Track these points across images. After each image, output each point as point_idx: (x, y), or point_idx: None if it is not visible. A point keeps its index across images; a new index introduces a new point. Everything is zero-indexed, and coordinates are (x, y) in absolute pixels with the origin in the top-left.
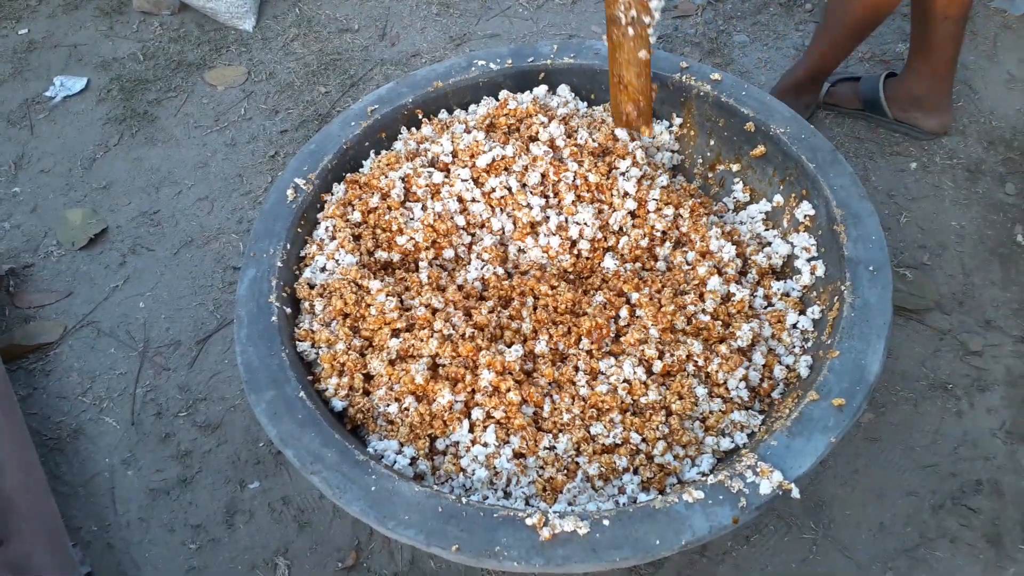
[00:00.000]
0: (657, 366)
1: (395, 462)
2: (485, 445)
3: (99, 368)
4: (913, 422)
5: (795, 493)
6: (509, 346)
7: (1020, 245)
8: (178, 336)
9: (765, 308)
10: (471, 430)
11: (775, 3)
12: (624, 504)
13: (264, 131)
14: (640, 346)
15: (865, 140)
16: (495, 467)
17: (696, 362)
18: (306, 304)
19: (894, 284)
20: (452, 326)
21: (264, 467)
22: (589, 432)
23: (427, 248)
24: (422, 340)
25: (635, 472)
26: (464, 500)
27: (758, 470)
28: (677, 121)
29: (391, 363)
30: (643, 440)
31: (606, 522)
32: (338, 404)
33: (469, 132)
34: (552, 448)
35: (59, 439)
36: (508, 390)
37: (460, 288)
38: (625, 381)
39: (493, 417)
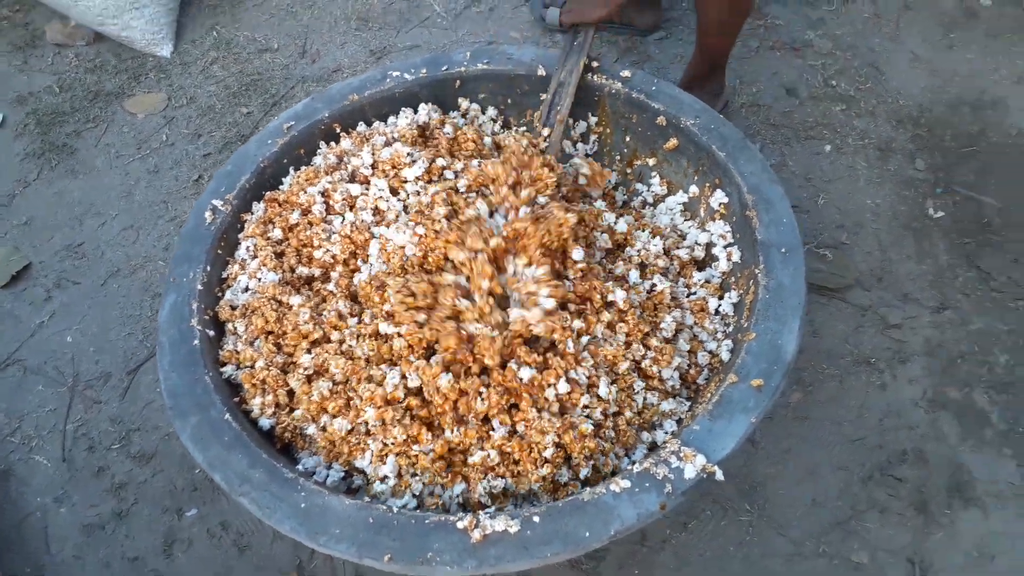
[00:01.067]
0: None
1: (327, 477)
2: (385, 480)
3: (27, 407)
4: (840, 398)
5: (719, 475)
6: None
7: (932, 219)
8: (108, 368)
9: (687, 296)
10: (371, 461)
11: None
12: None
13: (187, 156)
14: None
15: (781, 127)
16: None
17: (634, 358)
18: (229, 326)
19: (815, 265)
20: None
21: (201, 493)
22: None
23: (344, 261)
24: (328, 354)
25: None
26: (395, 510)
27: (682, 455)
28: (592, 120)
29: (308, 380)
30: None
31: (536, 519)
32: (265, 423)
33: (390, 144)
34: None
35: None
36: (394, 422)
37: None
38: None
39: (390, 447)
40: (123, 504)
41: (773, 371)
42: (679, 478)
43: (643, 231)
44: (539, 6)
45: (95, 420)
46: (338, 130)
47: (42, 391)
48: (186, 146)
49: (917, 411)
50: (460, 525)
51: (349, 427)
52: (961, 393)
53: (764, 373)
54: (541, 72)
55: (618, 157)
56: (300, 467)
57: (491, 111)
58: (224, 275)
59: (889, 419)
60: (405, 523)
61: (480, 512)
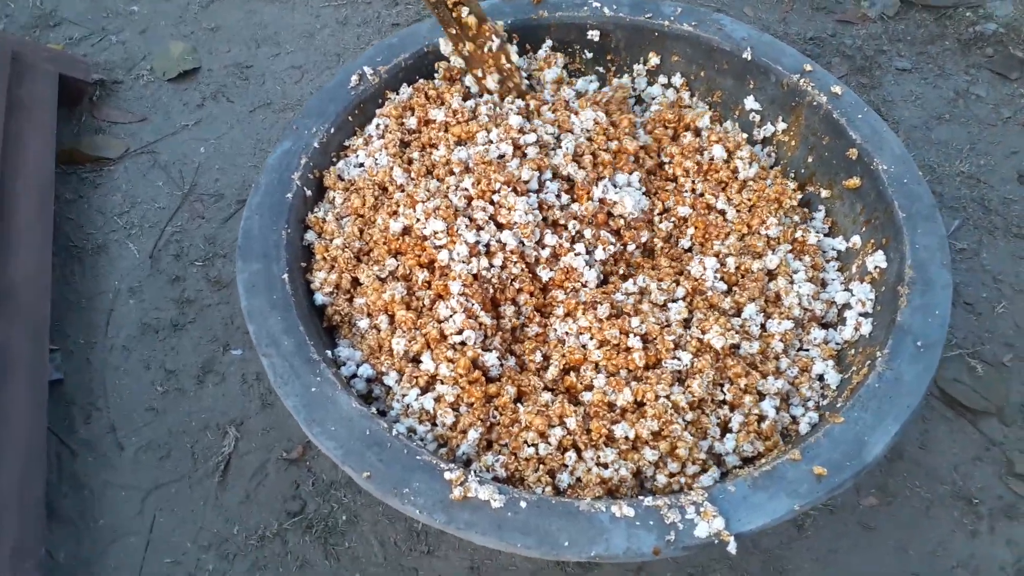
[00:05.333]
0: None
1: (354, 373)
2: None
3: (142, 196)
4: (919, 524)
5: (732, 547)
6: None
7: None
8: (223, 190)
9: (796, 351)
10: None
11: (952, 38)
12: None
13: (378, 18)
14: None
15: (993, 213)
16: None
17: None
18: (329, 194)
19: (960, 374)
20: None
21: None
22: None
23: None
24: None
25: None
26: (395, 432)
27: (702, 510)
28: (780, 126)
29: (381, 279)
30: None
31: (523, 504)
32: (320, 299)
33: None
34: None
35: (83, 249)
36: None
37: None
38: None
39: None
40: (183, 318)
41: (845, 466)
42: (687, 531)
43: (800, 263)
44: None
45: (192, 232)
46: (515, 41)
47: (160, 188)
48: (381, 9)
49: None
50: (447, 476)
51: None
52: None
53: (833, 464)
54: (747, 55)
55: (792, 174)
56: (333, 353)
57: (678, 78)
58: (346, 143)
59: (964, 571)
60: (398, 449)
61: (472, 472)
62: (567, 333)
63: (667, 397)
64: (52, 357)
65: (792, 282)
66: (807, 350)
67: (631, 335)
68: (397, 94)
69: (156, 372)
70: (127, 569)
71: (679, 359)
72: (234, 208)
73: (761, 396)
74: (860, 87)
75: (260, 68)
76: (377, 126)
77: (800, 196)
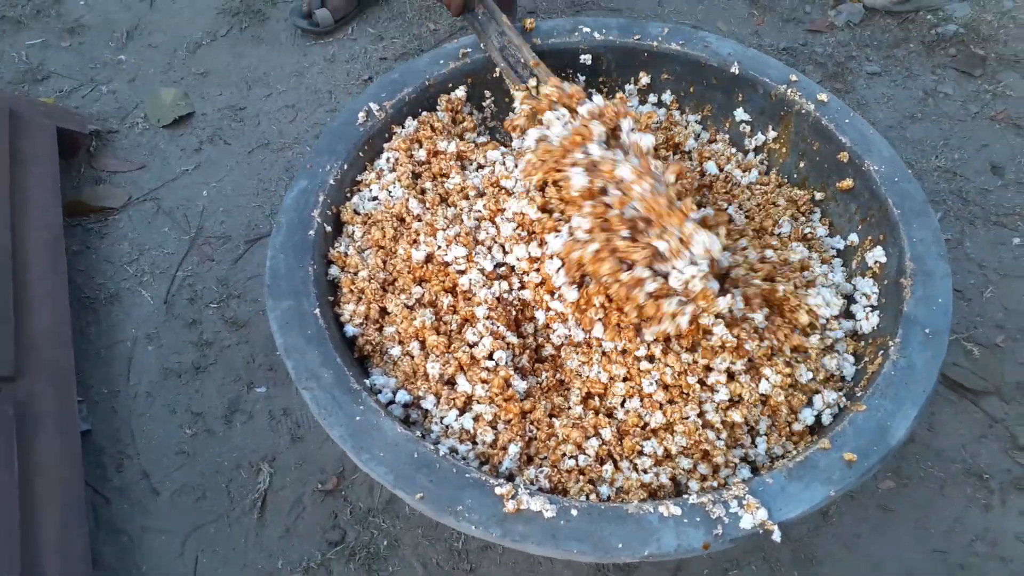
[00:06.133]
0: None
1: (391, 401)
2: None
3: (150, 243)
4: (935, 503)
5: (776, 536)
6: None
7: None
8: (230, 231)
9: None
10: (461, 412)
11: (917, 41)
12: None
13: (365, 54)
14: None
15: (971, 203)
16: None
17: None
18: (348, 228)
19: (957, 358)
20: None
21: (275, 375)
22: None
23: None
24: (437, 287)
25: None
26: (441, 453)
27: (744, 502)
28: (771, 135)
29: (408, 307)
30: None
31: (574, 512)
32: (350, 330)
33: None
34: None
35: (96, 300)
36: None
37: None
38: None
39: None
40: (204, 360)
41: (871, 451)
42: (733, 524)
43: (819, 261)
44: (298, 14)
45: (204, 275)
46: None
47: (167, 233)
48: (367, 44)
49: (1018, 546)
50: (499, 491)
51: (440, 372)
52: None
53: (861, 450)
54: (735, 70)
55: (784, 179)
56: (369, 382)
57: (668, 95)
58: (359, 178)
59: (982, 544)
60: (447, 469)
61: (522, 485)
62: (582, 364)
63: (699, 415)
64: (79, 408)
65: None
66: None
67: (648, 382)
68: (403, 127)
69: (183, 415)
70: None
71: (715, 391)
72: (243, 249)
73: (801, 400)
74: (835, 92)
75: (254, 109)
76: (387, 160)
77: (809, 198)
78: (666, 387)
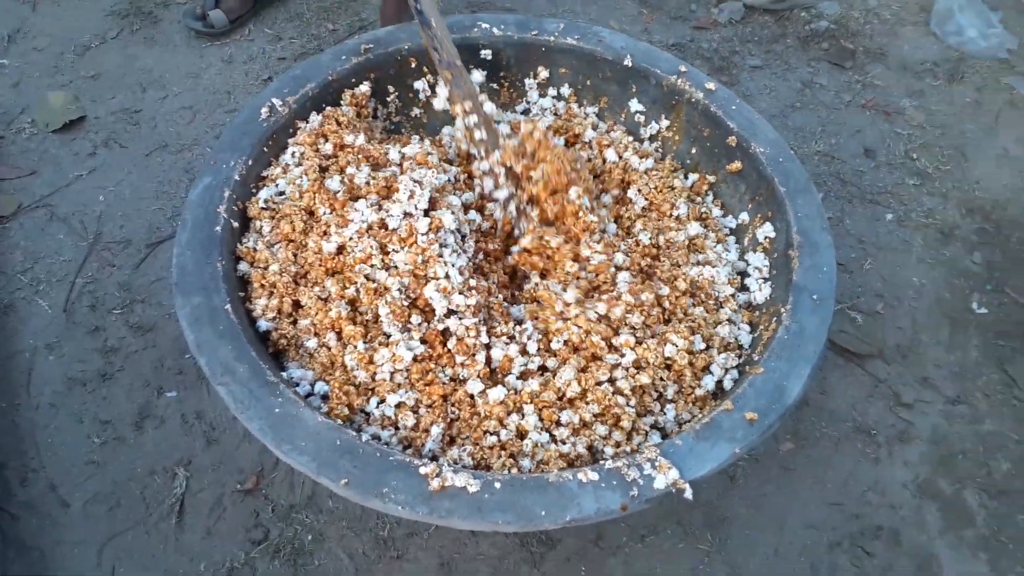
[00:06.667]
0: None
1: (310, 392)
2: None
3: (45, 251)
4: (830, 460)
5: (688, 494)
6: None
7: (973, 313)
8: (130, 235)
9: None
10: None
11: (793, 36)
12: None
13: (263, 54)
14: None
15: (849, 184)
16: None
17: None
18: (255, 223)
19: (843, 325)
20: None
21: (185, 378)
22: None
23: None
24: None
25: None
26: (363, 438)
27: (657, 464)
28: (664, 123)
29: (322, 299)
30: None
31: (497, 484)
32: (263, 325)
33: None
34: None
35: None
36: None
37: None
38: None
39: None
40: (110, 368)
41: (770, 409)
42: (648, 485)
43: (714, 240)
44: (191, 16)
45: (104, 281)
46: (413, 65)
47: (62, 240)
48: (265, 45)
49: (904, 493)
50: (422, 470)
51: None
52: (953, 488)
53: (761, 409)
54: (628, 63)
55: (679, 164)
56: (285, 375)
57: (566, 88)
58: (264, 173)
59: (873, 494)
60: (370, 453)
61: (446, 464)
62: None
63: (610, 381)
64: None
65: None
66: (732, 320)
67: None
68: (307, 123)
69: (91, 425)
70: None
71: (623, 355)
72: (144, 252)
73: (706, 360)
74: (722, 85)
75: (150, 112)
76: (293, 154)
77: (689, 182)
78: (576, 349)
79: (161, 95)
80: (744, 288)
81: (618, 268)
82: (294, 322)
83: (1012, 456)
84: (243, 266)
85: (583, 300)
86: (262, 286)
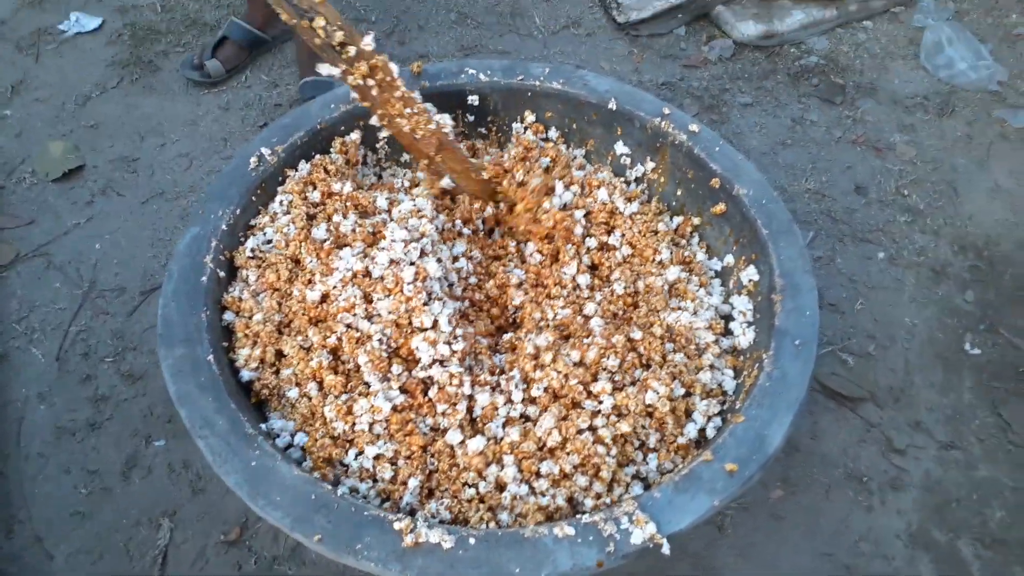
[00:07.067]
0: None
1: (290, 444)
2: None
3: (40, 299)
4: (821, 508)
5: (665, 549)
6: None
7: (967, 354)
8: (125, 283)
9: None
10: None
11: (783, 72)
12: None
13: (259, 101)
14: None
15: (840, 222)
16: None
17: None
18: (242, 272)
19: (834, 368)
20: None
21: (174, 427)
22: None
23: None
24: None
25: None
26: (338, 493)
27: (634, 518)
28: (650, 165)
29: (305, 349)
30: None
31: (472, 540)
32: (246, 375)
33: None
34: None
35: None
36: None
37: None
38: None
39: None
40: (99, 416)
41: (751, 460)
42: (624, 540)
43: (697, 284)
44: (189, 66)
45: (98, 329)
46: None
47: (58, 288)
48: (261, 91)
49: (897, 543)
50: (397, 526)
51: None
52: (947, 537)
53: (741, 459)
54: (612, 106)
55: (665, 206)
56: (265, 426)
57: (554, 131)
58: (252, 222)
59: (866, 543)
60: (344, 508)
61: (421, 518)
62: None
63: (590, 429)
64: None
65: (694, 298)
66: (714, 365)
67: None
68: (296, 171)
69: (77, 475)
70: None
71: (601, 401)
72: (138, 300)
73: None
74: (712, 123)
75: (147, 160)
76: (281, 203)
77: (674, 224)
78: (556, 396)
79: (159, 142)
80: (729, 332)
81: (587, 317)
82: (277, 372)
83: (1007, 504)
84: (228, 315)
85: (558, 344)
86: (246, 335)
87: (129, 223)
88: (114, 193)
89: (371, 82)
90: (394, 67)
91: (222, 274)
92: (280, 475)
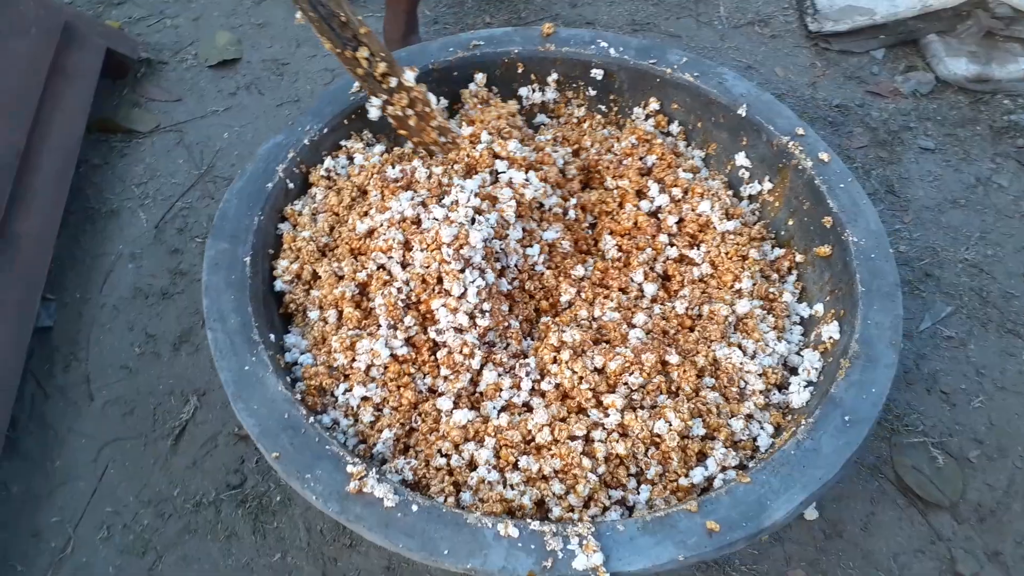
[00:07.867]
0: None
1: (296, 361)
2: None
3: (162, 170)
4: None
5: None
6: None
7: None
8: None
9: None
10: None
11: (985, 124)
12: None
13: (425, 35)
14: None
15: (990, 305)
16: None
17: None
18: (312, 189)
19: (920, 463)
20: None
21: None
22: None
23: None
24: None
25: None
26: (311, 420)
27: (584, 542)
28: (767, 186)
29: (338, 276)
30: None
31: (414, 507)
32: (279, 285)
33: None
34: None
35: (97, 212)
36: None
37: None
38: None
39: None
40: (173, 288)
41: (740, 526)
42: (565, 561)
43: (770, 325)
44: None
45: (199, 210)
46: (520, 70)
47: (180, 164)
48: (424, 26)
49: None
50: (349, 468)
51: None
52: None
53: (728, 522)
54: (742, 112)
55: (773, 235)
56: (283, 338)
57: (676, 126)
58: (341, 143)
59: None
60: (310, 435)
61: (375, 470)
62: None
63: (585, 438)
64: (46, 306)
65: (760, 340)
66: (753, 416)
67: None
68: None
69: (138, 334)
70: (70, 510)
71: (607, 414)
72: None
73: (698, 457)
74: (878, 160)
75: (296, 66)
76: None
77: (773, 256)
78: (564, 396)
79: (311, 53)
80: (786, 387)
81: (632, 327)
82: (308, 290)
83: None
84: (284, 226)
85: (587, 345)
86: (290, 248)
87: (260, 121)
88: (256, 91)
89: (410, 111)
90: (432, 98)
91: (291, 185)
92: (265, 386)
